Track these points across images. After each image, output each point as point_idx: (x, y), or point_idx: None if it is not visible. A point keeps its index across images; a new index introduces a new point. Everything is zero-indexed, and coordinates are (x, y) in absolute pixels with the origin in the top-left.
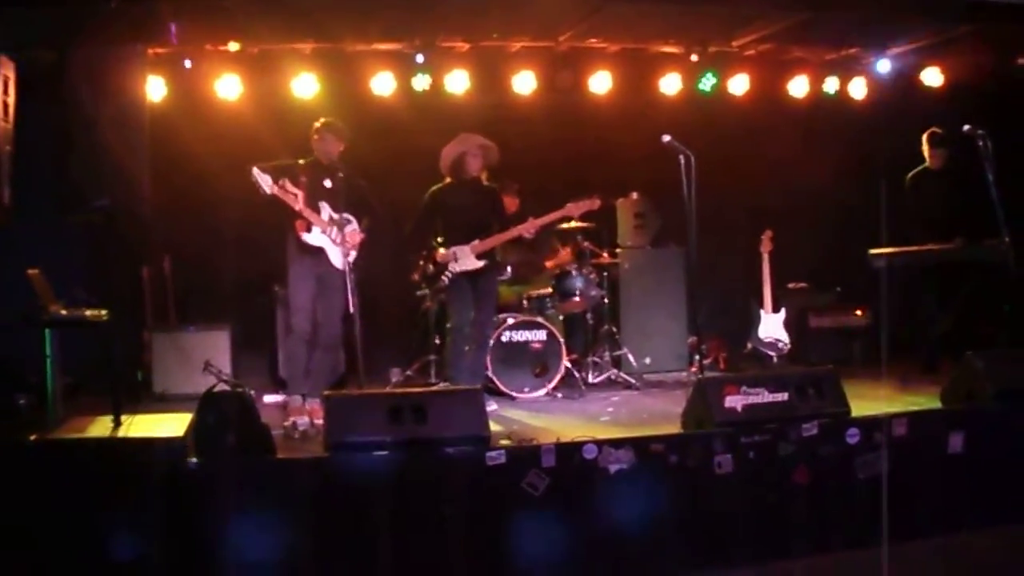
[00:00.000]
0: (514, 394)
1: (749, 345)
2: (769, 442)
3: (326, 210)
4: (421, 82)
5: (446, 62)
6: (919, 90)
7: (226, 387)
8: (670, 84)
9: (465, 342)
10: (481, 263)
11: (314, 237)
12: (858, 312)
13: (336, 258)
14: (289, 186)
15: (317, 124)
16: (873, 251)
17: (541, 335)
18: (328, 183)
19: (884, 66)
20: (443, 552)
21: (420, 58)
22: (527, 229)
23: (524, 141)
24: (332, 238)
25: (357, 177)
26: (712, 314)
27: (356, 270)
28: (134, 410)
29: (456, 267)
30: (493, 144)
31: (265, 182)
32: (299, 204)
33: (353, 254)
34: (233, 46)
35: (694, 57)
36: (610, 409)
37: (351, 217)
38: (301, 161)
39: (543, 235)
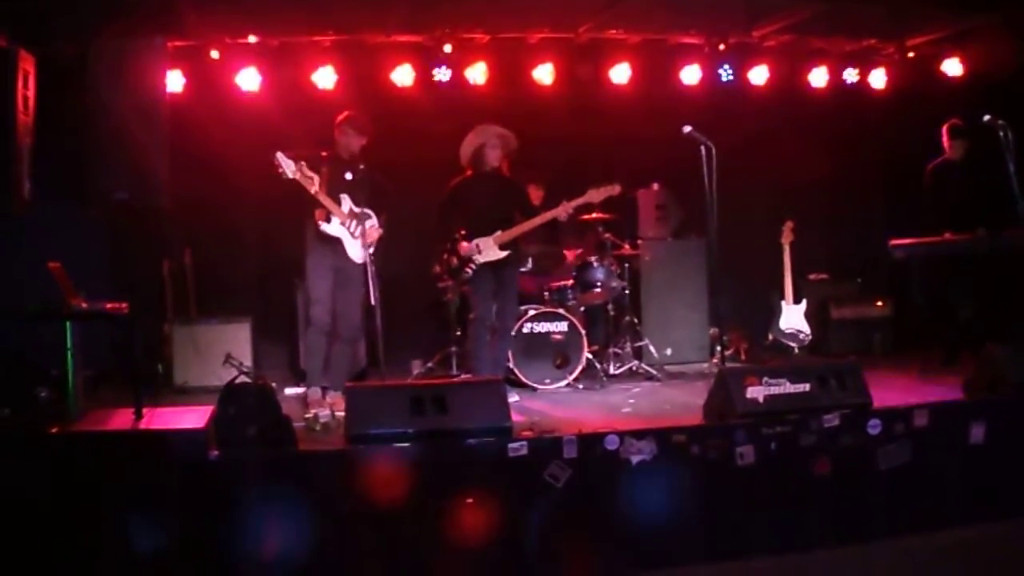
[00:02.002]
0: (535, 385)
1: (770, 336)
2: (790, 433)
3: (347, 202)
4: (442, 73)
5: (466, 53)
6: (939, 80)
7: (247, 379)
8: (690, 75)
9: (487, 333)
10: (504, 253)
11: (332, 228)
12: (879, 303)
13: (354, 251)
14: (307, 170)
15: (339, 118)
16: (894, 242)
17: (562, 326)
18: (349, 176)
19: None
20: (465, 543)
21: (448, 47)
22: (561, 212)
23: (544, 133)
24: (351, 231)
25: (377, 171)
26: (733, 305)
27: (376, 262)
28: (155, 402)
29: (480, 258)
30: (511, 133)
31: (289, 167)
32: (315, 187)
33: (371, 248)
34: (252, 38)
35: (721, 47)
36: (631, 400)
37: (371, 212)
38: (323, 154)
39: (564, 226)
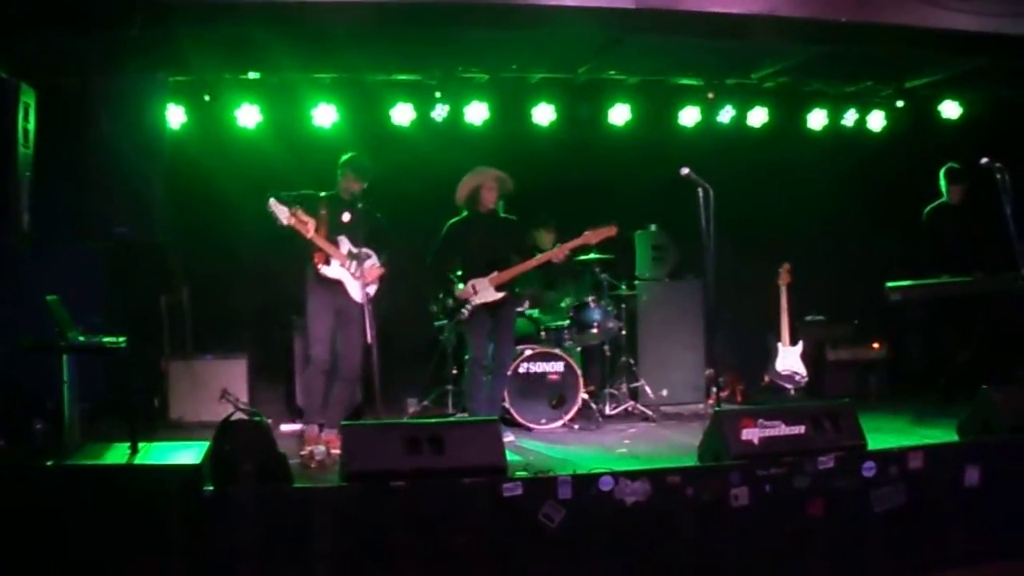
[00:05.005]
0: (531, 425)
1: (766, 378)
2: (785, 475)
3: (345, 244)
4: (440, 112)
5: (465, 93)
6: (937, 122)
7: (243, 415)
8: (689, 116)
9: (483, 373)
10: (500, 294)
11: (332, 270)
12: (875, 345)
13: (355, 291)
14: (302, 214)
15: (341, 160)
16: (890, 285)
17: (558, 367)
18: (347, 217)
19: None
20: None
21: (439, 95)
22: (556, 255)
23: (543, 173)
24: (351, 272)
25: (375, 211)
26: (729, 346)
27: (374, 302)
28: (150, 437)
29: (476, 300)
30: (507, 175)
31: (282, 213)
32: (310, 232)
33: (373, 288)
34: (253, 75)
35: (710, 96)
36: (627, 441)
37: (371, 252)
38: (322, 194)
39: (559, 268)
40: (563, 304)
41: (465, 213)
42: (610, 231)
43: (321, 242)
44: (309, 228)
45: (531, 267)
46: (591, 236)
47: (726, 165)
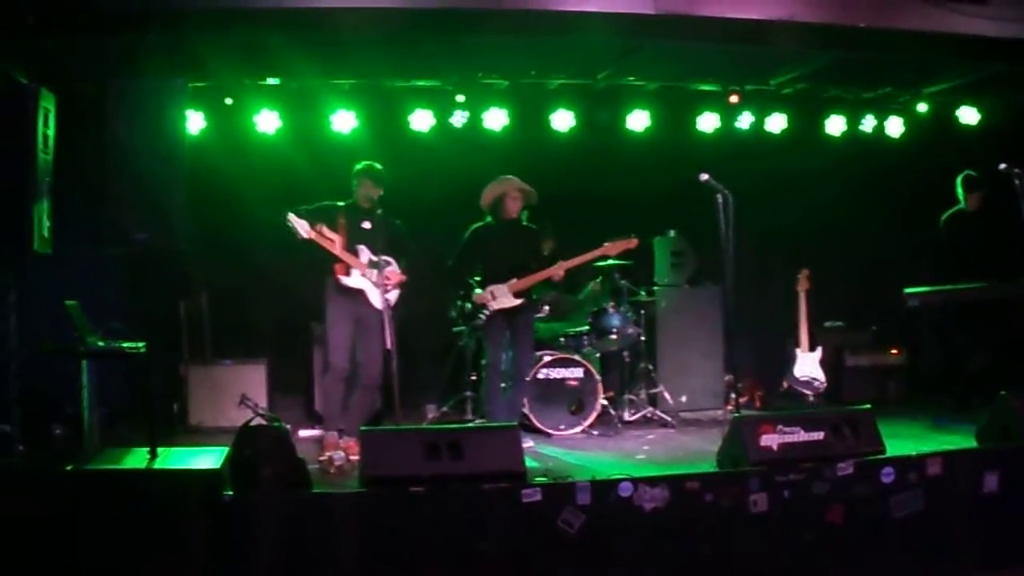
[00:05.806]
0: (550, 431)
1: (785, 384)
2: (804, 481)
3: (365, 252)
4: (459, 119)
5: (485, 99)
6: (955, 129)
7: (262, 421)
8: (708, 122)
9: (500, 379)
10: (518, 301)
11: (354, 280)
12: (894, 351)
13: (375, 299)
14: (326, 231)
15: (357, 168)
16: (908, 290)
17: (578, 372)
18: (367, 225)
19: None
20: None
21: (462, 97)
22: (556, 272)
23: (562, 178)
24: (372, 280)
25: (393, 218)
26: (748, 352)
27: (395, 308)
28: (170, 442)
29: (493, 305)
30: (532, 189)
31: (302, 227)
32: (337, 249)
33: (395, 294)
34: (272, 80)
35: (733, 99)
36: (646, 447)
37: (390, 259)
38: (340, 203)
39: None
40: (582, 298)
41: (489, 219)
42: (630, 243)
43: (343, 254)
44: (336, 245)
45: (539, 279)
46: (610, 248)
47: (745, 171)
